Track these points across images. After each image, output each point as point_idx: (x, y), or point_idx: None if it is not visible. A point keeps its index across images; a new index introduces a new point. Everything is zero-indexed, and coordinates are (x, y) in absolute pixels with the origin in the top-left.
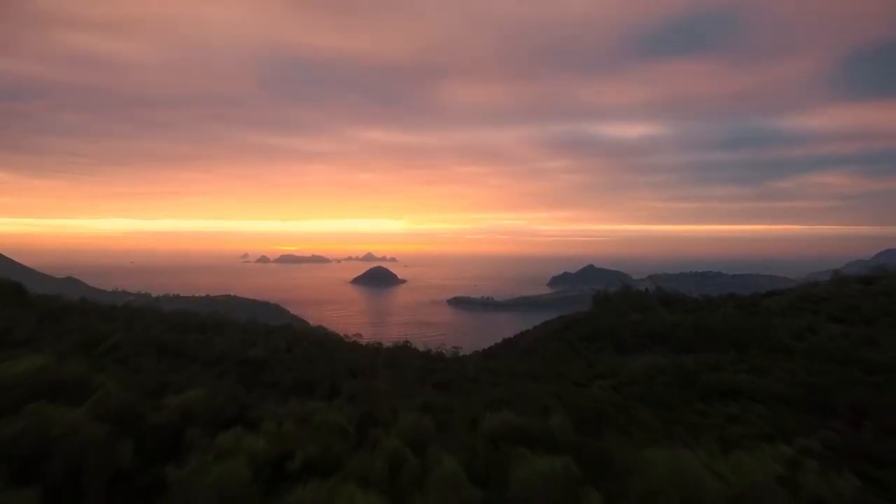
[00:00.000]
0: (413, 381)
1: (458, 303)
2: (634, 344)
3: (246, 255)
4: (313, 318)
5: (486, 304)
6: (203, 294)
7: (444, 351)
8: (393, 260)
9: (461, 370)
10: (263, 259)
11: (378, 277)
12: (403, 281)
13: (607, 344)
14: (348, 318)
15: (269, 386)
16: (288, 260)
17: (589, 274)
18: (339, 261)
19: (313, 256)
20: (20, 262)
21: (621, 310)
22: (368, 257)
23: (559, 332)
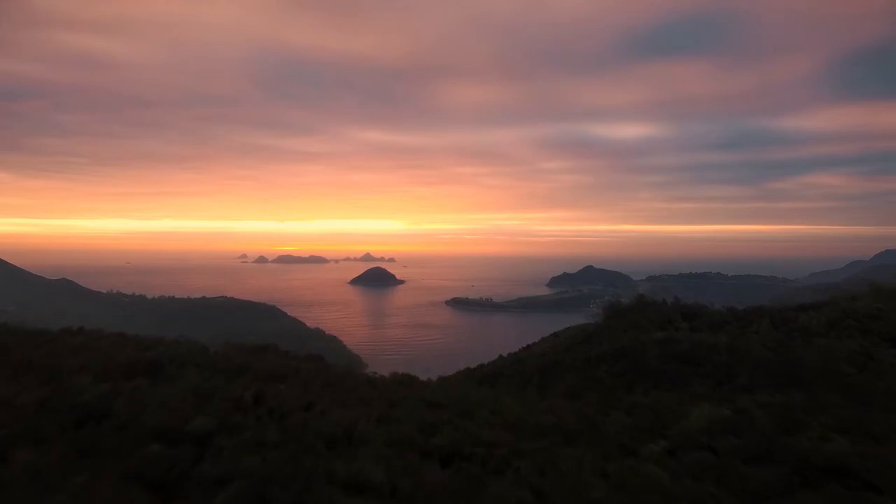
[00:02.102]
0: (414, 454)
1: (458, 304)
2: (662, 370)
3: (244, 256)
4: (311, 319)
5: (485, 305)
6: (199, 295)
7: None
8: (392, 260)
9: (473, 426)
10: (262, 259)
11: (377, 278)
12: (402, 282)
13: (630, 368)
14: (347, 319)
15: (206, 486)
16: (286, 260)
17: (588, 275)
18: (337, 261)
19: (312, 257)
20: (14, 263)
21: (639, 324)
22: (367, 258)
23: (571, 349)
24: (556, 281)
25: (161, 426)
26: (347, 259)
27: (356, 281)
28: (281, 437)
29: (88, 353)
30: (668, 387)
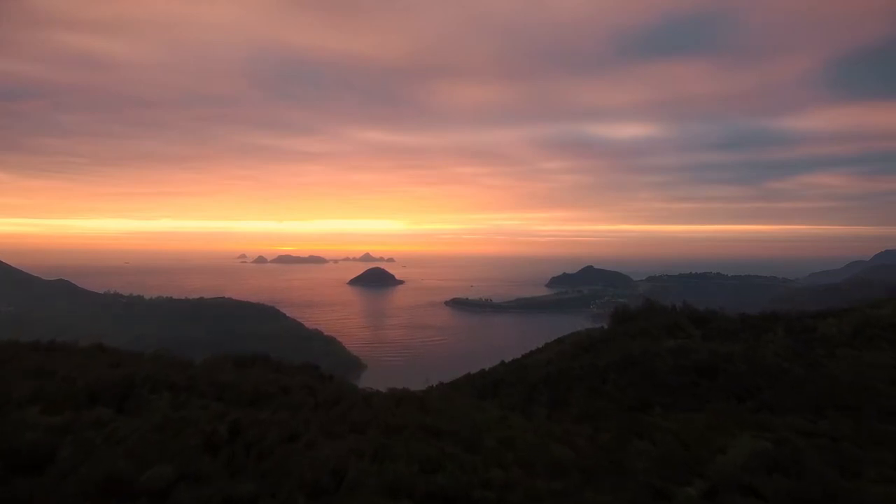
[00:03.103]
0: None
1: (457, 304)
2: (676, 383)
3: (243, 256)
4: (310, 320)
5: (484, 306)
6: (197, 296)
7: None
8: (391, 260)
9: (480, 462)
10: (261, 259)
11: (376, 278)
12: (402, 282)
13: (641, 379)
14: (346, 320)
15: None
16: (285, 260)
17: (588, 275)
18: (336, 261)
19: (311, 257)
20: (12, 264)
21: (647, 331)
22: (366, 258)
23: (577, 357)
24: (555, 281)
25: (112, 475)
26: (347, 259)
27: (355, 281)
28: (255, 488)
29: (46, 377)
30: (686, 402)
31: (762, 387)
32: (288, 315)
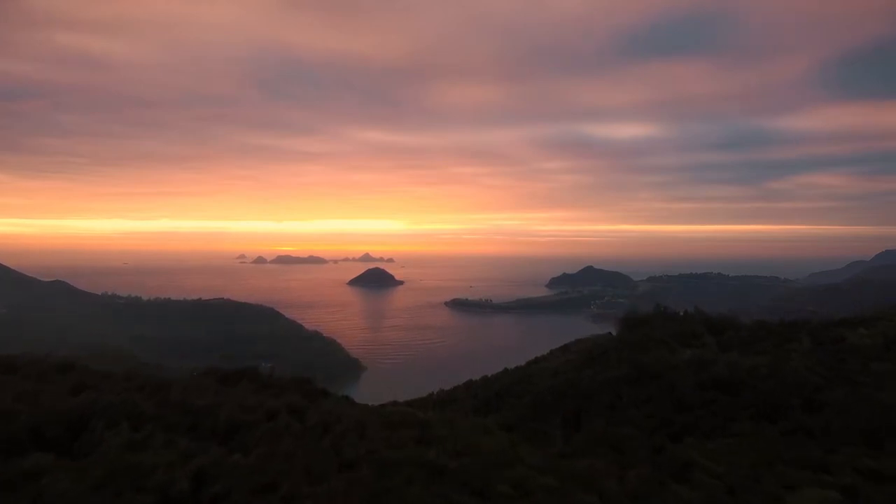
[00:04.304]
0: None
1: (457, 305)
2: (699, 401)
3: (243, 256)
4: (310, 321)
5: (484, 307)
6: (195, 297)
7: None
8: (391, 261)
9: None
10: (260, 260)
11: (376, 279)
12: (401, 282)
13: (660, 395)
14: (346, 320)
15: None
16: (285, 261)
17: (588, 275)
18: (336, 261)
19: (310, 257)
20: (9, 265)
21: (659, 339)
22: (366, 258)
23: (586, 366)
24: (555, 281)
25: None
26: (346, 259)
27: (355, 282)
28: None
29: None
30: (708, 422)
31: (794, 406)
32: (287, 316)
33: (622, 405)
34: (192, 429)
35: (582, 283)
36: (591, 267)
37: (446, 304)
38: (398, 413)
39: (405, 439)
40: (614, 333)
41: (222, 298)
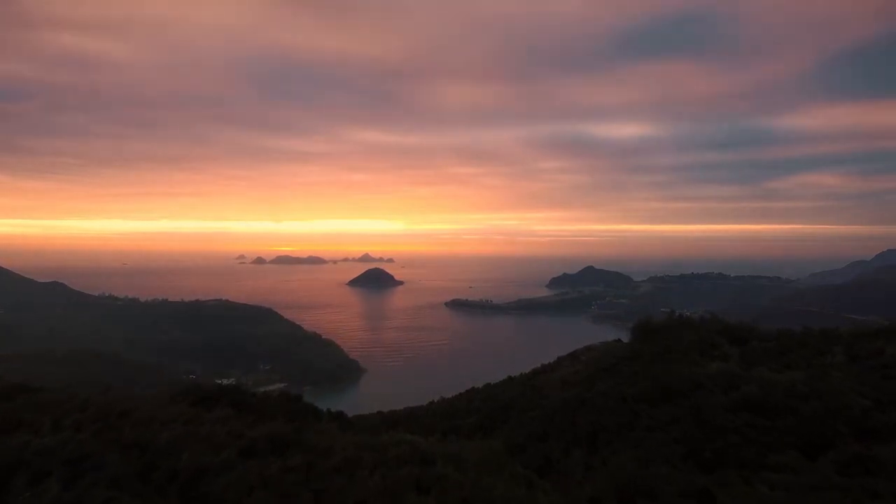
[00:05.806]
0: None
1: (457, 305)
2: (730, 426)
3: (242, 257)
4: (308, 322)
5: (484, 307)
6: (193, 298)
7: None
8: (390, 261)
9: None
10: (259, 260)
11: (375, 279)
12: (401, 283)
13: (684, 415)
14: (345, 321)
15: None
16: (284, 261)
17: (589, 275)
18: (335, 262)
19: (310, 257)
20: (6, 266)
21: (676, 349)
22: (366, 258)
23: (598, 378)
24: (556, 282)
25: None
26: (346, 259)
27: (354, 282)
28: None
29: None
30: (741, 450)
31: (844, 434)
32: (286, 317)
33: (641, 425)
34: (144, 476)
35: (582, 284)
36: (592, 267)
37: (446, 304)
38: (395, 444)
39: (402, 483)
40: (623, 340)
41: (220, 299)
